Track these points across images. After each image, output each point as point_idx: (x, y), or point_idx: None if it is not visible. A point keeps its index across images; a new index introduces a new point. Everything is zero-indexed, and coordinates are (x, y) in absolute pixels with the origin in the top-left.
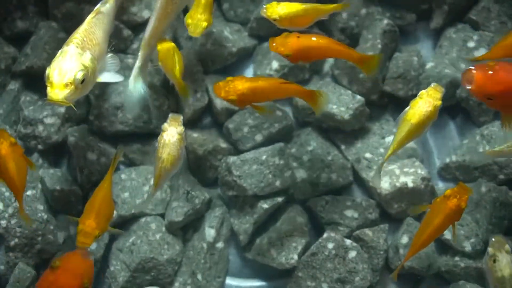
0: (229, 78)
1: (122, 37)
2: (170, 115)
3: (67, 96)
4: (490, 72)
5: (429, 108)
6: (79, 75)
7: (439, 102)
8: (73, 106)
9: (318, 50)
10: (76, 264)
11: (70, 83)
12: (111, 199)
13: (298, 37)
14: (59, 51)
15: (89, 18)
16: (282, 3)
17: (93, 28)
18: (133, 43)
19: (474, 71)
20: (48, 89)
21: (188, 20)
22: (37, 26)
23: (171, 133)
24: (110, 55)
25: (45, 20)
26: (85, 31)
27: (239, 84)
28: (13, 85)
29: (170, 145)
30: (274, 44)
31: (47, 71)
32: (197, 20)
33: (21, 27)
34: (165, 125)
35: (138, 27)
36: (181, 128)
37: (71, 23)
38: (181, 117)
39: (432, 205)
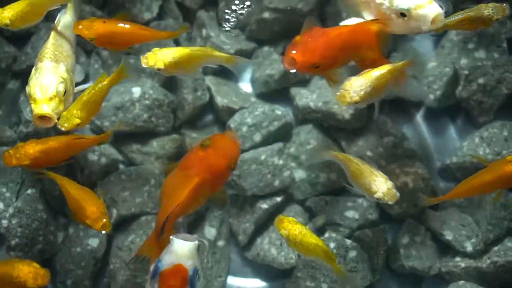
0: (20, 143)
1: None
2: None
3: (54, 109)
4: (304, 47)
5: None
6: (61, 88)
7: None
8: (57, 122)
9: (123, 35)
10: (225, 145)
11: (54, 96)
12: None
13: (104, 22)
14: (33, 68)
15: (53, 32)
16: None
17: (59, 41)
18: None
19: (294, 54)
20: (33, 105)
21: (64, 111)
22: (37, 27)
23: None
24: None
25: (44, 22)
26: (53, 45)
27: (30, 148)
28: (13, 85)
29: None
30: (80, 27)
31: (27, 90)
32: (71, 115)
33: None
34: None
35: None
36: None
37: None
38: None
39: (491, 164)
